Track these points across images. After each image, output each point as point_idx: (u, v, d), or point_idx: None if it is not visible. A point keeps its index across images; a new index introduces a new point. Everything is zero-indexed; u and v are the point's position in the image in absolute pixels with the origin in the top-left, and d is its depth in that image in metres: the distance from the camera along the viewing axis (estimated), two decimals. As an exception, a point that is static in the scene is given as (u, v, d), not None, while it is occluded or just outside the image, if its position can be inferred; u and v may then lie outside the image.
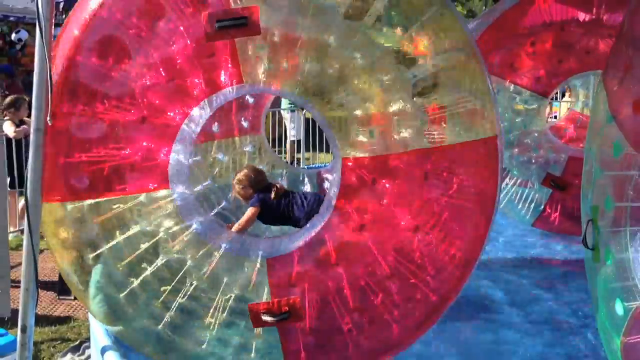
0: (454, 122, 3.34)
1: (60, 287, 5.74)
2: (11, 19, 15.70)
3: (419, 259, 3.37)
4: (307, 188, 6.67)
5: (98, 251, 3.33)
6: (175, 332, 3.40)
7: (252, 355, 3.41)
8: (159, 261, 3.34)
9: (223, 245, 3.43)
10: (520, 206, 6.86)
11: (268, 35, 3.24)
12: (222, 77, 3.38)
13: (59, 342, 4.91)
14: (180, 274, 3.34)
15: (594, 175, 3.63)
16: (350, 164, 3.39)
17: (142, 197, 3.36)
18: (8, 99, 7.58)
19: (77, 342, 4.77)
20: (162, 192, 3.37)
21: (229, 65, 3.33)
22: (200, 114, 3.46)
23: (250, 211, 4.86)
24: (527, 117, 6.71)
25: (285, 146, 12.71)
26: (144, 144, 3.36)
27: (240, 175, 5.20)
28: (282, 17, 3.23)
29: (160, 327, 3.37)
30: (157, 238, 3.35)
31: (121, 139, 3.30)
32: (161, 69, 3.28)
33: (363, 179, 3.39)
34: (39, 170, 3.14)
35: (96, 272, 3.39)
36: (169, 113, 3.36)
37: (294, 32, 3.25)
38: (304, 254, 3.43)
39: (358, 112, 3.36)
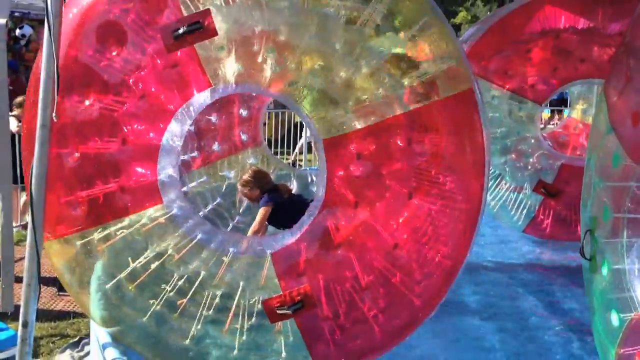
0: (431, 84, 3.37)
1: (61, 283, 5.75)
2: (16, 14, 15.72)
3: (428, 227, 3.43)
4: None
5: (115, 279, 3.43)
6: (201, 342, 3.48)
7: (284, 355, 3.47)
8: (175, 277, 3.41)
9: (231, 250, 3.48)
10: (512, 212, 6.92)
11: (229, 36, 3.31)
12: (194, 86, 3.45)
13: (58, 338, 4.92)
14: (196, 285, 3.41)
15: (593, 186, 3.65)
16: (331, 144, 3.43)
17: (140, 217, 3.43)
18: (19, 99, 7.63)
19: (76, 339, 4.79)
20: (159, 210, 3.45)
21: (199, 73, 3.41)
22: (179, 126, 3.53)
23: (262, 211, 4.87)
24: (522, 123, 6.78)
25: (288, 147, 12.74)
26: (134, 168, 3.44)
27: (245, 177, 5.21)
28: (239, 16, 3.30)
29: (187, 341, 3.45)
30: (165, 255, 3.42)
31: (111, 166, 3.39)
32: (136, 92, 3.37)
33: (348, 156, 3.43)
34: (43, 166, 3.17)
35: (96, 270, 3.45)
36: (150, 133, 3.44)
37: (253, 28, 3.32)
38: (307, 242, 3.47)
39: (330, 93, 3.40)
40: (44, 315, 5.26)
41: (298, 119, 13.93)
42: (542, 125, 13.30)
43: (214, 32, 3.26)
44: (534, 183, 6.67)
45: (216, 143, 6.38)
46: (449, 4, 30.24)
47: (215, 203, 6.06)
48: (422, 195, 3.39)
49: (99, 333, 3.67)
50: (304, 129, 12.64)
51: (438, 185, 3.38)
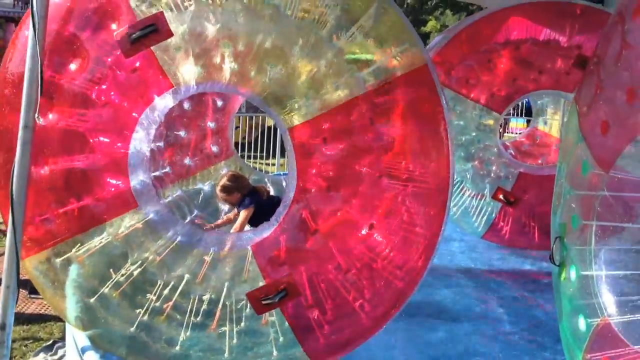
0: (385, 66, 3.47)
1: (32, 286, 5.67)
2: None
3: (402, 209, 3.50)
4: None
5: (96, 294, 3.44)
6: (188, 346, 3.50)
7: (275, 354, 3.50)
8: (159, 281, 3.44)
9: (212, 249, 3.52)
10: (473, 218, 7.05)
11: (185, 36, 3.37)
12: (155, 89, 3.49)
13: (30, 341, 4.88)
14: (180, 288, 3.45)
15: (563, 194, 3.75)
16: (297, 132, 3.51)
17: (117, 225, 3.45)
18: None
19: (50, 342, 4.75)
20: (135, 215, 3.48)
21: (159, 76, 3.46)
22: (145, 131, 3.57)
23: (244, 213, 4.91)
24: (484, 132, 6.95)
25: (261, 151, 12.72)
26: (106, 179, 3.47)
27: (224, 182, 5.21)
28: (194, 18, 3.37)
29: (177, 348, 3.47)
30: (146, 260, 3.45)
31: (82, 180, 3.43)
32: (99, 104, 3.40)
33: (314, 142, 3.51)
34: (25, 167, 3.18)
35: (72, 274, 3.46)
36: (118, 143, 3.47)
37: (209, 27, 3.39)
38: (285, 232, 3.53)
39: (289, 82, 3.48)
40: (15, 318, 5.11)
41: (271, 123, 13.93)
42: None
43: (169, 33, 3.31)
44: (493, 190, 6.81)
45: (187, 158, 6.42)
46: (418, 12, 30.64)
47: (193, 216, 6.09)
48: (392, 178, 3.47)
49: (77, 337, 3.65)
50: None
51: (406, 166, 3.47)
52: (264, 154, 12.72)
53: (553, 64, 6.49)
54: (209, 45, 3.40)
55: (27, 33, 3.21)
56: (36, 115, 3.13)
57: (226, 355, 3.46)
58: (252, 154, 12.48)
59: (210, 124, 6.77)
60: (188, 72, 3.44)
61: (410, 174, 3.47)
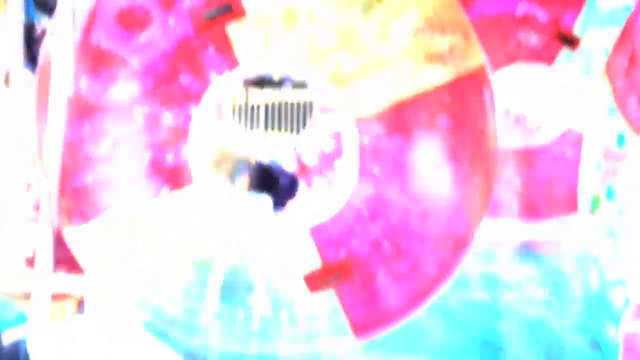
0: (438, 63, 3.42)
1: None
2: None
3: (452, 196, 3.45)
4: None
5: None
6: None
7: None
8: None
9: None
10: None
11: (256, 14, 3.29)
12: (214, 68, 3.39)
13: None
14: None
15: (596, 167, 3.74)
16: (362, 123, 3.43)
17: (168, 199, 3.37)
18: None
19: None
20: (185, 191, 3.39)
21: (221, 54, 3.36)
22: (205, 109, 3.45)
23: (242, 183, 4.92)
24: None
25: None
26: (162, 152, 3.37)
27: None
28: None
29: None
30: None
31: (137, 151, 3.32)
32: (162, 77, 3.32)
33: (379, 134, 3.45)
34: (59, 134, 3.11)
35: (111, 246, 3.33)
36: (178, 117, 3.37)
37: (276, 5, 3.30)
38: (342, 216, 3.47)
39: (356, 71, 3.40)
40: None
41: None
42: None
43: (242, 13, 3.25)
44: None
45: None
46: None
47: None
48: (445, 166, 3.45)
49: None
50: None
51: (460, 161, 3.44)
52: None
53: (530, 38, 6.55)
54: (272, 25, 3.32)
55: None
56: (69, 89, 3.07)
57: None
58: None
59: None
60: (254, 51, 3.35)
61: (462, 168, 3.46)
